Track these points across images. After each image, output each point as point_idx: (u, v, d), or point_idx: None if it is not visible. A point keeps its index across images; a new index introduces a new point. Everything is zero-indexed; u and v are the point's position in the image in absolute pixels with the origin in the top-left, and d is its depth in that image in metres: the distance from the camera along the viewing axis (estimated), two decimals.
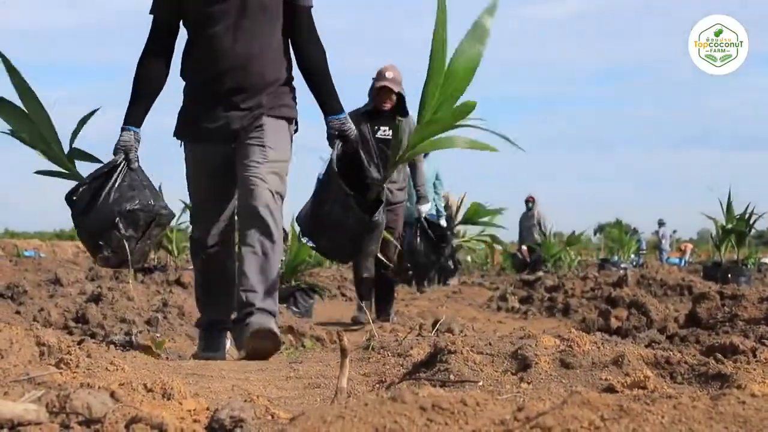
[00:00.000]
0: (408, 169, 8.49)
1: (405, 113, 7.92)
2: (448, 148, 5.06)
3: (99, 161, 4.82)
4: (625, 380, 2.71)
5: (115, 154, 4.64)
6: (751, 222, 11.93)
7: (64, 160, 4.93)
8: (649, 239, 35.13)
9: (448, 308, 9.69)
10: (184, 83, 4.79)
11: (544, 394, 2.46)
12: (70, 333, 5.75)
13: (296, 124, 4.79)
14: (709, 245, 14.21)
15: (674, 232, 36.19)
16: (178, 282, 10.71)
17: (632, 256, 24.49)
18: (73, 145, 4.93)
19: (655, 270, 11.16)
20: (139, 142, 4.67)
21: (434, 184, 11.23)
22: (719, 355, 3.64)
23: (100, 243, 4.55)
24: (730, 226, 11.83)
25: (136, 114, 4.69)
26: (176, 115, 4.82)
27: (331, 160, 4.69)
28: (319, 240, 4.99)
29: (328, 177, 4.72)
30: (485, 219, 12.38)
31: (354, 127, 4.78)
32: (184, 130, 4.78)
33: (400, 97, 7.95)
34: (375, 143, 7.93)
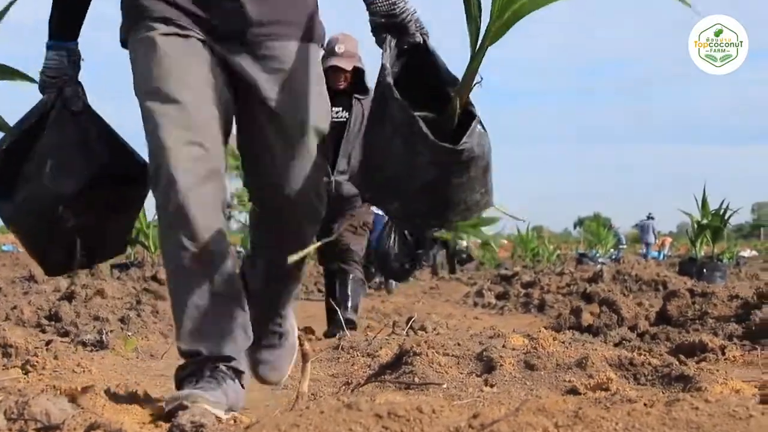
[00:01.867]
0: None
1: (364, 90, 6.46)
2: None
3: (29, 79, 3.01)
4: (588, 382, 2.73)
5: (42, 92, 2.85)
6: (726, 217, 11.99)
7: None
8: (629, 233, 35.31)
9: (425, 304, 9.70)
10: None
11: (504, 398, 2.48)
12: (43, 331, 5.73)
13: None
14: (688, 238, 14.28)
15: (653, 218, 36.43)
16: (155, 278, 10.70)
17: (611, 250, 24.61)
18: None
19: (631, 265, 11.18)
20: (78, 65, 2.86)
21: None
22: (683, 357, 3.67)
23: (47, 245, 2.84)
24: (705, 221, 11.89)
25: (66, 21, 2.86)
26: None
27: (382, 69, 2.73)
28: (388, 202, 2.87)
29: (380, 97, 2.71)
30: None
31: (413, 10, 2.82)
32: (135, 16, 2.75)
33: (358, 72, 6.45)
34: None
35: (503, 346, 3.29)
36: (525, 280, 11.64)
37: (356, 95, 6.43)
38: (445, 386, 2.78)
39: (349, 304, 6.50)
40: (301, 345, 2.29)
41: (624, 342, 5.06)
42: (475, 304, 10.05)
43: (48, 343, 3.97)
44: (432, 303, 10.04)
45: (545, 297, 9.20)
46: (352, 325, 6.30)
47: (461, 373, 2.96)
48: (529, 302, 9.30)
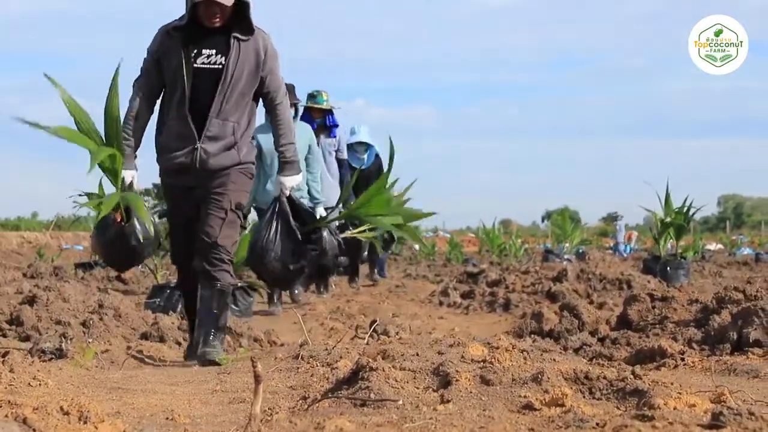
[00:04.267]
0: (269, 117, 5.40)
1: (250, 29, 4.96)
2: None
3: None
4: (543, 397, 2.74)
5: None
6: (690, 215, 12.00)
7: None
8: (593, 227, 35.52)
9: (390, 304, 9.70)
10: None
11: (457, 420, 2.48)
12: (4, 335, 5.71)
13: None
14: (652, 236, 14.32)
15: (621, 217, 36.65)
16: (119, 278, 10.63)
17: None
18: None
19: (596, 264, 11.24)
20: None
21: (307, 158, 8.75)
22: (642, 363, 3.70)
23: None
24: (668, 219, 11.88)
25: None
26: None
27: None
28: None
29: None
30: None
31: None
32: None
33: (240, 5, 4.89)
34: (192, 75, 4.91)
35: (461, 358, 3.31)
36: (491, 278, 11.67)
37: (236, 34, 4.93)
38: (400, 402, 2.78)
39: (212, 330, 4.94)
40: (254, 367, 2.28)
41: (584, 347, 5.11)
42: (441, 303, 10.07)
43: (4, 354, 3.94)
44: (397, 302, 10.05)
45: (510, 296, 9.25)
46: (207, 359, 4.83)
47: (417, 388, 2.97)
48: (494, 301, 9.33)
